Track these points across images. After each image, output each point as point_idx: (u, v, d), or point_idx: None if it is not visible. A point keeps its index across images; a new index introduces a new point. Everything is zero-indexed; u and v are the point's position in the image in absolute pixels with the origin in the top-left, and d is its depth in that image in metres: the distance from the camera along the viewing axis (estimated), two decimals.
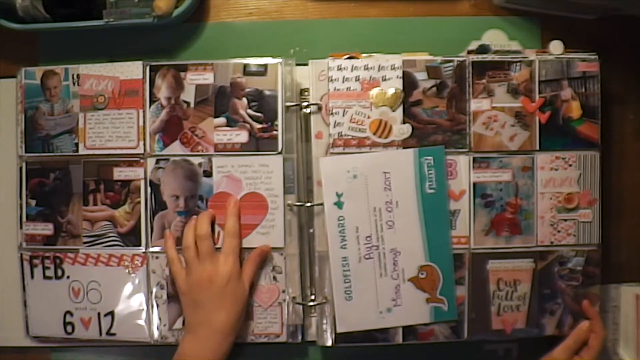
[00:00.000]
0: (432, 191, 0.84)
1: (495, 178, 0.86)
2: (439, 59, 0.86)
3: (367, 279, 0.85)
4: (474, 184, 0.86)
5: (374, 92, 0.86)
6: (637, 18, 0.91)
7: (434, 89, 0.86)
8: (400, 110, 0.86)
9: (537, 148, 0.86)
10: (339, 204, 0.84)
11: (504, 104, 0.86)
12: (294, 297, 0.87)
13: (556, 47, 0.87)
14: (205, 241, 0.84)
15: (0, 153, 0.92)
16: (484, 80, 0.86)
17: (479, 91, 0.86)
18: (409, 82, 0.86)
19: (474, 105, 0.86)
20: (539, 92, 0.86)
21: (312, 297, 0.88)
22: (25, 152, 0.89)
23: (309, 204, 0.87)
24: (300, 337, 0.88)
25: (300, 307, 0.88)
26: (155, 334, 0.88)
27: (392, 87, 0.86)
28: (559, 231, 0.86)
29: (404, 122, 0.86)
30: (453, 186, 0.86)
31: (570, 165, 0.86)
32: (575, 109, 0.86)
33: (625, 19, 0.91)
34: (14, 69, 0.90)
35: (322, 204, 0.86)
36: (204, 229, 0.84)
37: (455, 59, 0.86)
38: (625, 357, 0.87)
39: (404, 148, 0.85)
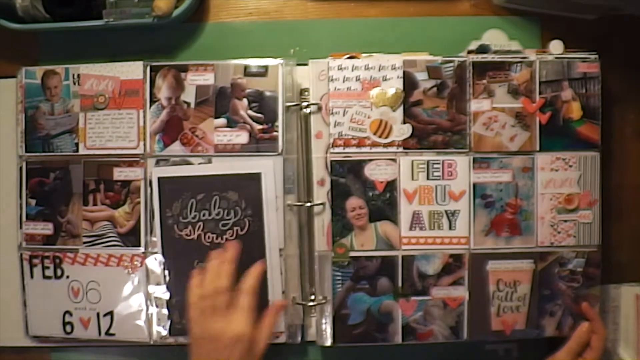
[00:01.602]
0: None
1: (495, 178, 0.85)
2: (439, 59, 0.86)
3: None
4: (474, 185, 0.86)
5: (375, 92, 0.86)
6: (637, 18, 0.91)
7: (435, 89, 0.86)
8: (400, 110, 0.86)
9: (538, 149, 0.86)
10: None
11: (504, 105, 0.86)
12: (293, 297, 0.87)
13: (556, 46, 0.87)
14: (221, 296, 0.77)
15: (1, 153, 0.92)
16: (484, 81, 0.86)
17: (479, 91, 0.86)
18: (409, 82, 0.86)
19: (474, 105, 0.86)
20: (540, 93, 0.86)
21: (312, 297, 0.88)
22: (26, 151, 0.89)
23: (309, 204, 0.87)
24: (300, 337, 0.88)
25: (300, 307, 0.88)
26: (154, 334, 0.88)
27: (393, 87, 0.85)
28: (559, 232, 0.86)
29: (404, 122, 0.86)
30: (453, 186, 0.86)
31: (570, 166, 0.86)
32: (575, 110, 0.86)
33: (625, 19, 0.91)
34: (14, 68, 0.90)
35: (322, 204, 0.86)
36: (223, 282, 0.78)
37: (456, 59, 0.86)
38: (626, 357, 0.87)
39: (404, 148, 0.85)
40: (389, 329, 0.86)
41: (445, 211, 0.86)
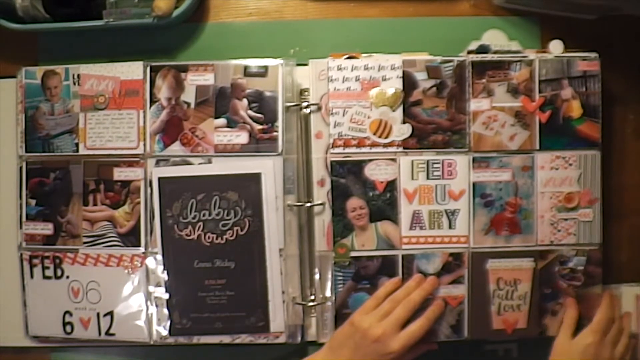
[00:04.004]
0: None
1: (495, 178, 0.85)
2: (438, 58, 0.86)
3: None
4: (474, 184, 0.86)
5: (374, 92, 0.86)
6: (637, 18, 0.91)
7: (434, 88, 0.86)
8: (400, 110, 0.86)
9: (537, 148, 0.86)
10: None
11: (503, 104, 0.86)
12: (294, 297, 0.87)
13: (556, 46, 0.87)
14: (405, 311, 0.81)
15: (0, 153, 0.92)
16: (483, 80, 0.86)
17: (478, 91, 0.86)
18: (409, 82, 0.86)
19: (474, 105, 0.86)
20: (539, 92, 0.85)
21: (312, 297, 0.88)
22: (26, 151, 0.89)
23: (309, 204, 0.87)
24: (300, 337, 0.88)
25: (300, 307, 0.88)
26: (154, 334, 0.88)
27: (392, 87, 0.85)
28: (559, 230, 0.86)
29: (404, 122, 0.86)
30: (453, 186, 0.86)
31: (570, 165, 0.85)
32: (575, 108, 0.86)
33: (625, 19, 0.91)
34: (14, 69, 0.90)
35: (322, 204, 0.86)
36: (417, 301, 0.82)
37: (455, 58, 0.86)
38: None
39: (404, 148, 0.85)
40: None
41: (445, 210, 0.86)
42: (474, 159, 0.86)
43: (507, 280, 0.86)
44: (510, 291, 0.86)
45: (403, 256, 0.86)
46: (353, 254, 0.86)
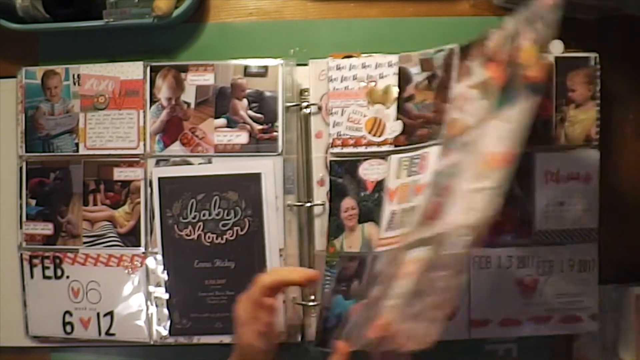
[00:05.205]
0: None
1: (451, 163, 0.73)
2: (432, 50, 0.84)
3: None
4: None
5: (368, 89, 0.85)
6: (637, 18, 0.90)
7: (426, 81, 0.84)
8: (394, 107, 0.85)
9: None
10: None
11: (478, 80, 0.73)
12: (294, 297, 0.87)
13: (556, 46, 0.86)
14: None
15: (1, 153, 0.92)
16: (467, 62, 0.78)
17: (463, 74, 0.79)
18: (404, 78, 0.84)
19: (456, 89, 0.79)
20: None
21: (312, 297, 0.88)
22: (26, 151, 0.90)
23: (309, 204, 0.87)
24: (300, 337, 0.88)
25: (300, 307, 0.87)
26: (154, 334, 0.88)
27: (385, 84, 0.85)
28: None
29: (397, 119, 0.85)
30: (421, 181, 0.79)
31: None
32: (526, 52, 0.65)
33: (625, 19, 0.91)
34: (14, 69, 0.90)
35: (322, 204, 0.86)
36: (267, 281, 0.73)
37: (447, 47, 0.82)
38: (625, 357, 0.87)
39: (395, 146, 0.84)
40: None
41: (413, 207, 0.77)
42: (443, 148, 0.77)
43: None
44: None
45: (372, 258, 0.82)
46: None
